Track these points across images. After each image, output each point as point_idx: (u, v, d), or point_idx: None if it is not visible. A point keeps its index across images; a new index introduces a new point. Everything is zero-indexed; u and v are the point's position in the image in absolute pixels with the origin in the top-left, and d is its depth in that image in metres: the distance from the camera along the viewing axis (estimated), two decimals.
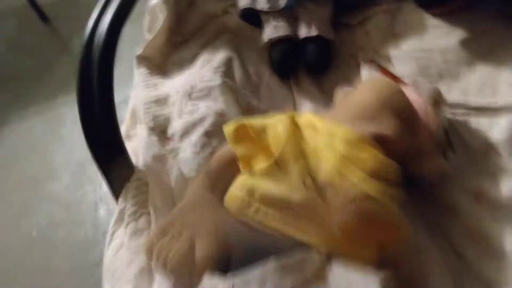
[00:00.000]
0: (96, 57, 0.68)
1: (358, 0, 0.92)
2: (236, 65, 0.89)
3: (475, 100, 0.73)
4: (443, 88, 0.76)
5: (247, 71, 0.89)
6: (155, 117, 0.80)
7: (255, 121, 0.61)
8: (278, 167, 0.55)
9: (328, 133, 0.58)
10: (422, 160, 0.62)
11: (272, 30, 0.89)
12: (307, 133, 0.59)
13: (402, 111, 0.63)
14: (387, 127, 0.60)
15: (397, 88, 0.66)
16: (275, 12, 0.89)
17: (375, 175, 0.52)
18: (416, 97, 0.67)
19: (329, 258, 0.50)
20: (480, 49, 0.80)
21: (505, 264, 0.56)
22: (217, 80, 0.83)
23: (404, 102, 0.65)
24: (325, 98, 0.85)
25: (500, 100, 0.72)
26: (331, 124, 0.60)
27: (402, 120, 0.61)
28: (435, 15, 0.85)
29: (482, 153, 0.68)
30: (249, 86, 0.87)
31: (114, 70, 0.68)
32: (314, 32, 0.86)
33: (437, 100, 0.68)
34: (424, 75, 0.79)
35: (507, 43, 0.80)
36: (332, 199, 0.51)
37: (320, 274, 0.48)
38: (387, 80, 0.68)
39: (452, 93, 0.76)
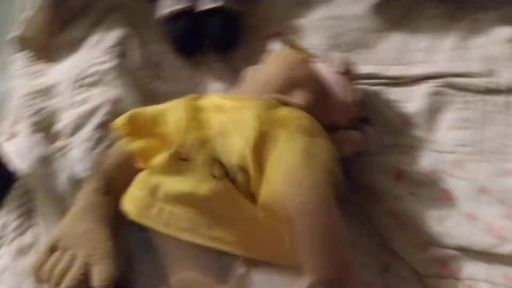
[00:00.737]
0: None
1: None
2: (133, 43, 0.79)
3: (391, 69, 0.72)
4: (358, 58, 0.74)
5: (146, 49, 0.80)
6: (38, 110, 0.69)
7: (150, 109, 0.56)
8: (180, 158, 0.49)
9: (235, 109, 0.53)
10: (337, 135, 0.58)
11: (169, 2, 0.79)
12: (211, 116, 0.53)
13: (310, 82, 0.60)
14: (296, 97, 0.57)
15: (303, 59, 0.63)
16: None
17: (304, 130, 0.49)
18: (326, 68, 0.63)
19: (249, 266, 0.44)
20: (394, 15, 0.78)
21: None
22: (111, 62, 0.73)
23: (311, 73, 0.61)
24: (235, 76, 0.78)
25: (415, 68, 0.71)
26: (237, 100, 0.55)
27: (311, 91, 0.58)
28: None
29: (400, 125, 0.66)
30: (149, 66, 0.78)
31: None
32: (218, 2, 0.78)
33: (349, 70, 0.65)
34: (337, 44, 0.76)
35: (420, 8, 0.78)
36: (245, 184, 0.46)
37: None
38: (292, 52, 0.64)
39: (368, 63, 0.74)
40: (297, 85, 0.58)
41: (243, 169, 0.47)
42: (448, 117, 0.66)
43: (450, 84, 0.68)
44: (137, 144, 0.53)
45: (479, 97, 0.67)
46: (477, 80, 0.67)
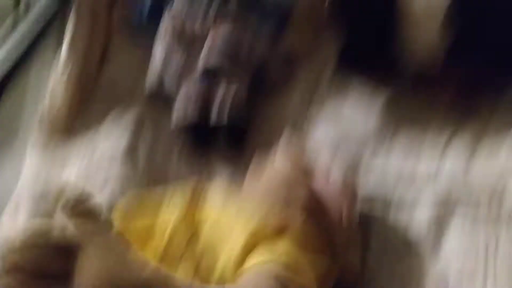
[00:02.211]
0: None
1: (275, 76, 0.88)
2: (143, 147, 0.82)
3: (391, 191, 0.70)
4: (368, 153, 0.74)
5: (155, 154, 0.82)
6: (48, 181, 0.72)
7: (149, 203, 0.58)
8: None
9: (229, 225, 0.54)
10: (332, 258, 0.57)
11: (182, 112, 0.83)
12: (207, 221, 0.55)
13: (308, 203, 0.60)
14: (292, 218, 0.57)
15: (303, 175, 0.64)
16: (185, 93, 0.83)
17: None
18: (326, 185, 0.64)
19: None
20: (402, 115, 0.80)
21: None
22: (124, 140, 0.80)
23: (309, 194, 0.62)
24: (244, 163, 0.77)
25: (416, 191, 0.69)
26: (235, 213, 0.57)
27: (308, 212, 0.59)
28: (355, 82, 0.84)
29: (400, 252, 0.64)
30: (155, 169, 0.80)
31: None
32: (224, 116, 0.81)
33: (352, 192, 0.65)
34: (346, 138, 0.77)
35: (428, 110, 0.79)
36: None
37: None
38: (297, 165, 0.65)
39: (376, 158, 0.74)
40: (294, 205, 0.59)
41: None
42: (451, 243, 0.63)
43: (451, 211, 0.66)
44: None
45: (482, 224, 0.64)
46: (478, 208, 0.65)
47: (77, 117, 0.87)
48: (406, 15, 0.76)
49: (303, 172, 0.64)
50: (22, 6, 0.93)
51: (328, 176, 0.65)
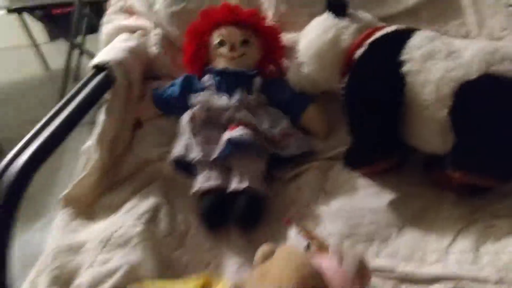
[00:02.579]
0: None
1: (291, 155, 0.93)
2: (163, 212, 0.86)
3: (403, 265, 0.72)
4: (372, 251, 0.75)
5: (174, 219, 0.86)
6: (61, 265, 0.74)
7: None
8: None
9: None
10: None
11: (203, 179, 0.88)
12: None
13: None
14: None
15: (312, 269, 0.63)
16: (208, 162, 0.88)
17: None
18: (337, 271, 0.64)
19: None
20: (409, 212, 0.81)
21: None
22: (139, 226, 0.80)
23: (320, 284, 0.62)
24: (253, 254, 0.81)
25: (427, 267, 0.71)
26: None
27: None
28: (364, 174, 0.87)
29: None
30: (174, 235, 0.83)
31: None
32: (245, 184, 0.86)
33: (363, 272, 0.66)
34: (353, 234, 0.78)
35: (434, 207, 0.81)
36: None
37: None
38: (304, 256, 0.66)
39: (381, 256, 0.75)
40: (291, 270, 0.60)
41: None
42: None
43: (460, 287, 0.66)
44: None
45: None
46: (488, 287, 0.66)
47: (102, 195, 0.92)
48: (410, 114, 0.79)
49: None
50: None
51: (341, 260, 0.65)
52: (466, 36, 0.98)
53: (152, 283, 0.62)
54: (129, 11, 1.19)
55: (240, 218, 0.84)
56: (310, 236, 0.70)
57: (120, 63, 0.98)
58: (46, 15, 2.64)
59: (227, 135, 0.88)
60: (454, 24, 1.00)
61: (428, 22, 1.00)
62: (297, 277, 0.60)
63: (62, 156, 1.08)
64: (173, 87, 1.01)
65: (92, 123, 0.98)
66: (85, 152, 0.96)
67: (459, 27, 1.00)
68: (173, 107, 1.01)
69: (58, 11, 2.71)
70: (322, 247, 0.68)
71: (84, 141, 0.96)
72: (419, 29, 0.83)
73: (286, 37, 1.06)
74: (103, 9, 1.21)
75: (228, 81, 0.96)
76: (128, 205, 0.88)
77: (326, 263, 0.63)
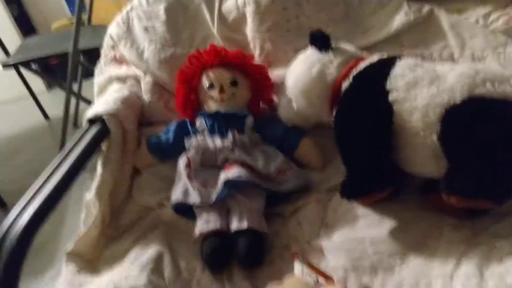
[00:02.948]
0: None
1: (289, 191, 0.93)
2: (166, 260, 0.86)
3: None
4: (377, 282, 0.75)
5: (178, 266, 0.86)
6: None
7: None
8: None
9: None
10: None
11: (204, 223, 0.88)
12: None
13: None
14: None
15: None
16: (206, 206, 0.89)
17: None
18: None
19: None
20: (411, 239, 0.81)
21: None
22: (142, 279, 0.80)
23: None
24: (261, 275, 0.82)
25: None
26: None
27: None
28: (362, 204, 0.87)
29: None
30: (178, 283, 0.83)
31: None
32: (245, 225, 0.86)
33: None
34: (357, 267, 0.77)
35: (435, 232, 0.81)
36: None
37: None
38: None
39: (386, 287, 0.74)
40: None
41: None
42: None
43: None
44: None
45: None
46: None
47: (105, 247, 0.93)
48: (402, 142, 0.80)
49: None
50: None
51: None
52: (449, 58, 0.99)
53: None
54: (119, 61, 1.22)
55: (243, 258, 0.84)
56: (316, 270, 0.70)
57: (113, 115, 0.99)
58: (43, 66, 2.69)
59: (224, 176, 0.89)
60: (436, 47, 1.02)
61: (411, 47, 1.01)
62: None
63: (68, 204, 1.08)
64: (167, 135, 1.02)
65: (95, 169, 0.99)
66: (86, 206, 0.96)
67: (442, 50, 1.01)
68: (168, 153, 1.02)
69: (55, 61, 2.78)
70: (329, 280, 0.68)
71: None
72: (401, 57, 0.84)
73: (274, 74, 1.08)
74: (97, 55, 1.24)
75: (221, 123, 0.98)
76: (131, 256, 0.88)
77: None
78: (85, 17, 2.26)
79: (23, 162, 2.13)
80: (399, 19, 1.04)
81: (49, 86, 3.02)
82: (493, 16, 0.99)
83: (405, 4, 1.06)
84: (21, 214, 0.74)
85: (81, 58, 2.17)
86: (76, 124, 2.31)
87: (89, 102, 2.11)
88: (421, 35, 1.03)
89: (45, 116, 2.57)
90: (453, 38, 1.00)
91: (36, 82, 2.78)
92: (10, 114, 2.76)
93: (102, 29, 2.11)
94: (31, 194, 0.79)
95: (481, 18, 0.99)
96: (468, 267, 0.72)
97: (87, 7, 2.31)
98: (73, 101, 2.17)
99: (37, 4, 2.96)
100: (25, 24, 2.90)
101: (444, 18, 1.01)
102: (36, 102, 2.50)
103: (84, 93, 2.24)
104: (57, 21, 2.92)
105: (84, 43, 1.89)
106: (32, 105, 2.51)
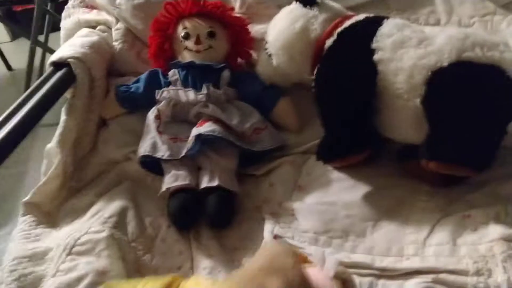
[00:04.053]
0: None
1: (264, 151, 0.90)
2: (130, 215, 0.82)
3: (380, 259, 0.70)
4: (348, 245, 0.73)
5: (142, 222, 0.82)
6: (21, 276, 0.69)
7: (124, 284, 0.58)
8: None
9: None
10: None
11: (172, 178, 0.84)
12: None
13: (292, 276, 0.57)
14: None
15: (291, 256, 0.61)
16: (176, 161, 0.85)
17: None
18: (317, 273, 0.62)
19: None
20: (384, 205, 0.79)
21: None
22: (104, 232, 0.75)
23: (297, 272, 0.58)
24: (225, 256, 0.78)
25: (405, 262, 0.69)
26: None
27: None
28: (337, 168, 0.84)
29: None
30: (142, 239, 0.79)
31: None
32: (215, 182, 0.82)
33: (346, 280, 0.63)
34: (328, 230, 0.76)
35: (409, 200, 0.80)
36: None
37: None
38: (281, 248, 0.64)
39: (358, 251, 0.73)
40: (276, 271, 0.57)
41: None
42: None
43: (439, 280, 0.65)
44: None
45: None
46: (466, 278, 0.64)
47: (65, 200, 0.88)
48: (383, 104, 0.77)
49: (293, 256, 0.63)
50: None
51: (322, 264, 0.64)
52: (436, 24, 0.97)
53: (118, 284, 0.59)
54: (89, 5, 1.14)
55: (212, 217, 0.81)
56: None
57: (80, 59, 0.93)
58: (7, 13, 2.54)
59: (196, 131, 0.84)
60: (423, 12, 0.99)
61: (398, 10, 0.98)
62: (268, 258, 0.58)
63: (28, 160, 1.02)
64: (137, 83, 0.97)
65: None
66: (47, 155, 0.90)
67: (429, 15, 0.99)
68: (138, 104, 0.97)
69: (19, 8, 2.62)
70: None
71: None
72: (388, 17, 0.81)
73: (254, 29, 1.02)
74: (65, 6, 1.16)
75: (195, 75, 0.92)
76: (93, 210, 0.83)
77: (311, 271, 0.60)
78: None
79: None
80: None
81: (13, 35, 2.86)
82: None
83: None
84: None
85: (48, 6, 2.04)
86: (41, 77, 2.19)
87: None
88: None
89: (8, 67, 2.43)
90: (441, 3, 0.97)
91: (1, 32, 2.63)
92: None
93: None
94: None
95: None
96: (441, 235, 0.72)
97: None
98: (38, 53, 2.05)
99: None
100: None
101: None
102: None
103: (51, 45, 2.12)
104: None
105: None
106: None
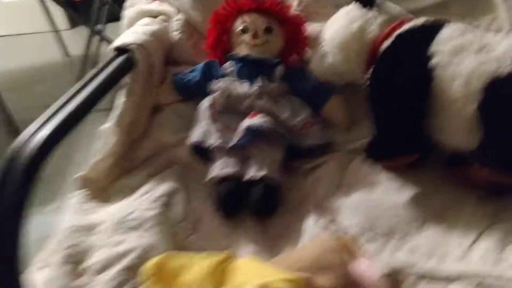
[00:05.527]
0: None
1: (311, 146, 0.91)
2: (179, 197, 0.85)
3: (423, 261, 0.69)
4: (392, 245, 0.73)
5: (190, 204, 0.85)
6: (75, 244, 0.73)
7: (179, 259, 0.60)
8: None
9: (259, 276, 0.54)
10: None
11: (221, 166, 0.87)
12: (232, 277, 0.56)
13: (340, 270, 0.60)
14: (322, 279, 0.57)
15: (342, 247, 0.64)
16: (225, 149, 0.87)
17: None
18: (366, 269, 0.63)
19: None
20: (431, 209, 0.79)
21: None
22: (154, 210, 0.79)
23: (343, 262, 0.62)
24: (268, 243, 0.80)
25: (448, 264, 0.69)
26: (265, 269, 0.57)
27: (339, 278, 0.59)
28: (384, 168, 0.85)
29: None
30: (189, 220, 0.82)
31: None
32: (262, 172, 0.84)
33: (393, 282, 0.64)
34: (373, 226, 0.76)
35: (457, 205, 0.79)
36: None
37: None
38: (333, 238, 0.65)
39: (400, 251, 0.73)
40: (325, 268, 0.59)
41: None
42: None
43: (484, 286, 0.64)
44: None
45: None
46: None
47: (118, 178, 0.91)
48: (437, 108, 0.77)
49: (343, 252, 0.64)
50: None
51: (370, 264, 0.65)
52: (497, 31, 0.95)
53: (177, 254, 0.62)
54: None
55: (256, 207, 0.83)
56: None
57: (142, 46, 0.97)
58: (68, 1, 2.65)
59: (247, 122, 0.87)
60: (485, 19, 0.97)
61: (458, 16, 0.97)
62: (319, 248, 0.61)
63: (76, 141, 1.07)
64: (194, 73, 1.00)
65: (109, 109, 0.96)
66: (103, 134, 0.95)
67: (490, 23, 0.97)
68: (193, 92, 1.00)
69: None
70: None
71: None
72: (449, 21, 0.80)
73: (310, 27, 1.04)
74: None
75: (250, 68, 0.94)
76: (143, 189, 0.87)
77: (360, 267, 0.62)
78: None
79: (39, 93, 2.12)
80: None
81: (72, 24, 2.98)
82: None
83: None
84: (37, 132, 0.71)
85: None
86: (96, 65, 2.27)
87: (111, 43, 2.07)
88: (470, 4, 0.98)
89: (66, 53, 2.54)
90: (505, 11, 0.95)
91: (59, 19, 2.75)
92: (31, 46, 2.74)
93: None
94: (50, 114, 0.76)
95: None
96: (488, 241, 0.71)
97: None
98: (95, 41, 2.13)
99: None
100: None
101: None
102: (59, 38, 2.47)
103: (108, 35, 2.19)
104: None
105: None
106: (54, 41, 2.48)
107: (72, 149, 1.18)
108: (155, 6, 1.16)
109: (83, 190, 0.87)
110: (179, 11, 1.13)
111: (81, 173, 0.89)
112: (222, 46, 1.00)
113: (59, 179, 1.16)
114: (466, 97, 0.72)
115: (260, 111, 0.90)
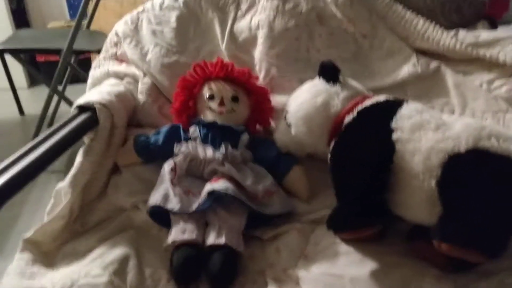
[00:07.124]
0: None
1: (273, 215, 0.89)
2: (131, 264, 0.80)
3: None
4: None
5: (142, 273, 0.80)
6: None
7: None
8: None
9: None
10: None
11: (179, 232, 0.83)
12: None
13: None
14: None
15: None
16: (185, 215, 0.84)
17: None
18: None
19: None
20: (390, 283, 0.78)
21: None
22: (104, 277, 0.75)
23: None
24: None
25: None
26: None
27: None
28: (345, 240, 0.84)
29: None
30: None
31: None
32: (222, 240, 0.81)
33: None
34: None
35: (417, 280, 0.78)
36: None
37: None
38: None
39: None
40: None
41: None
42: None
43: None
44: None
45: None
46: None
47: (66, 242, 0.86)
48: (398, 183, 0.78)
49: None
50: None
51: None
52: (450, 114, 1.01)
53: None
54: (119, 59, 1.19)
55: (215, 276, 0.79)
56: None
57: (106, 106, 0.96)
58: (30, 62, 2.63)
59: (209, 187, 0.85)
60: (438, 102, 1.03)
61: (414, 97, 1.03)
62: None
63: (27, 200, 1.01)
64: (158, 135, 0.99)
65: (62, 172, 0.93)
66: (55, 195, 0.90)
67: (444, 106, 1.03)
68: (154, 155, 0.98)
69: (42, 59, 2.72)
70: None
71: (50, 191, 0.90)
72: (408, 101, 0.85)
73: (275, 99, 1.06)
74: (89, 61, 1.22)
75: (215, 135, 0.95)
76: (94, 254, 0.82)
77: None
78: (84, 22, 2.24)
79: None
80: (406, 70, 1.06)
81: (31, 83, 2.94)
82: (497, 83, 1.02)
83: (414, 56, 1.08)
84: None
85: (72, 60, 2.12)
86: (51, 125, 2.22)
87: (70, 104, 2.04)
88: (425, 88, 1.05)
89: (21, 111, 2.48)
90: (456, 96, 1.02)
91: (18, 77, 2.71)
92: None
93: (100, 35, 2.11)
94: (7, 163, 0.73)
95: (485, 83, 1.02)
96: None
97: (89, 14, 2.29)
98: (54, 101, 2.10)
99: (37, 1, 2.93)
100: (20, 18, 2.85)
101: (450, 76, 1.04)
102: (15, 96, 2.41)
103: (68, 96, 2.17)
104: (54, 21, 2.88)
105: (79, 45, 1.85)
106: (9, 99, 2.43)
107: (18, 210, 1.11)
108: (122, 68, 1.16)
109: (25, 253, 0.82)
110: (145, 74, 1.14)
111: (27, 234, 0.83)
112: (188, 111, 1.01)
113: (2, 239, 1.08)
114: (425, 172, 0.74)
115: (223, 176, 0.88)
